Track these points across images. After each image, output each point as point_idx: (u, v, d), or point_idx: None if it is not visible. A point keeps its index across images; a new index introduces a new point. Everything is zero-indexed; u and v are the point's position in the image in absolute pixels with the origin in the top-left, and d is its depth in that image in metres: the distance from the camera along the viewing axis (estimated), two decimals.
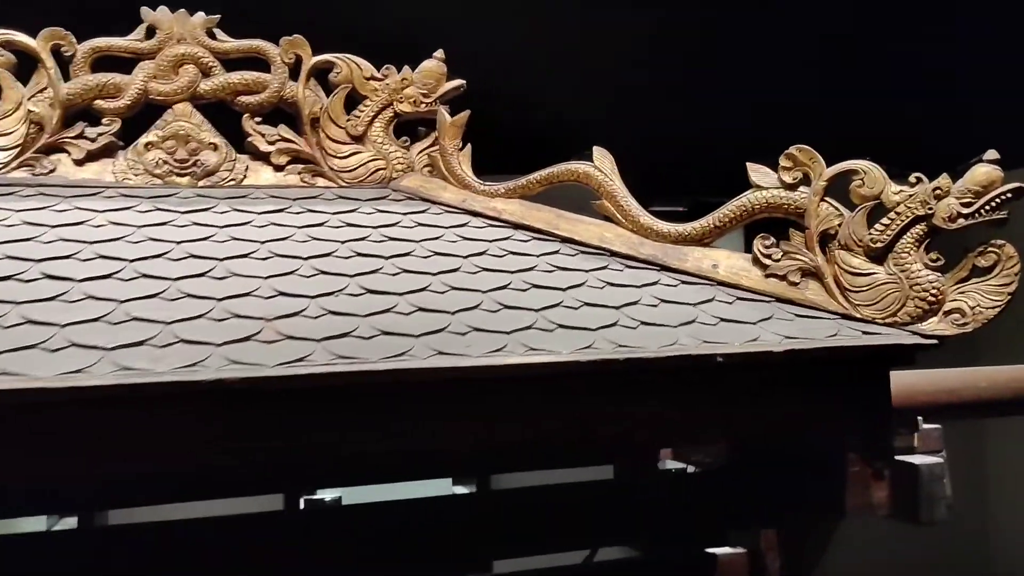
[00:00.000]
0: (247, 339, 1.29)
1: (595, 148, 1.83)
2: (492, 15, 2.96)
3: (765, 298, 1.62)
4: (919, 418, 1.77)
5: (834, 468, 1.55)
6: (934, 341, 1.51)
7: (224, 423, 1.26)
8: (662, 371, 1.40)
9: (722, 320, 1.53)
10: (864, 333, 1.52)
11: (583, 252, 1.75)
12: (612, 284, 1.63)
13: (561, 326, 1.44)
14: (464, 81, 2.02)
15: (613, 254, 1.74)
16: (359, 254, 1.62)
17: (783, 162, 1.66)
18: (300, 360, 1.26)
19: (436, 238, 1.73)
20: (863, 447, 1.54)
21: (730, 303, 1.60)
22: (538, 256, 1.71)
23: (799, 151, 1.66)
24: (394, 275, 1.56)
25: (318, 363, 1.25)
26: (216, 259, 1.53)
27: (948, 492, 1.69)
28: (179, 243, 1.57)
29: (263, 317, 1.36)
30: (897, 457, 1.69)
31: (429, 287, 1.52)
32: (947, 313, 1.53)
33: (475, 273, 1.60)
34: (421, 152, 1.99)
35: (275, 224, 1.70)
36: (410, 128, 2.05)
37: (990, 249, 1.52)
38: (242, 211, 1.74)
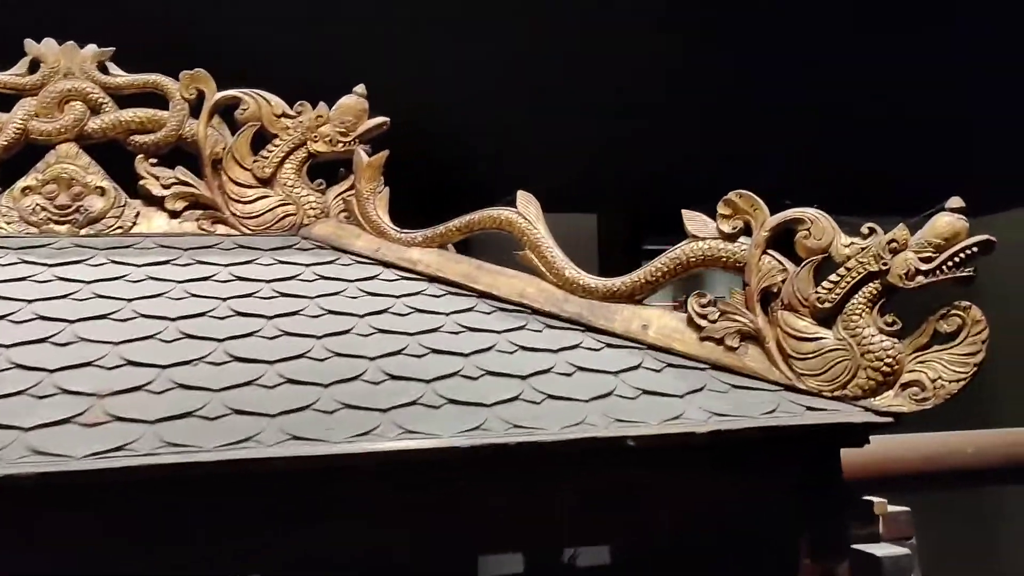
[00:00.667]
0: (66, 421, 1.11)
1: (520, 193, 1.64)
2: (426, 49, 2.80)
3: (699, 365, 1.42)
4: (883, 501, 1.55)
5: (775, 567, 1.33)
6: (889, 419, 1.30)
7: None
8: (563, 456, 1.20)
9: (644, 392, 1.33)
10: (808, 409, 1.32)
11: (501, 309, 1.56)
12: (525, 348, 1.43)
13: (452, 401, 1.25)
14: (387, 119, 1.85)
15: (534, 312, 1.55)
16: (239, 313, 1.43)
17: (721, 209, 1.47)
18: (124, 446, 1.07)
19: (335, 293, 1.54)
20: (810, 540, 1.33)
21: (658, 371, 1.40)
22: (447, 314, 1.51)
23: (739, 197, 1.46)
24: (272, 339, 1.37)
25: (138, 452, 1.06)
26: (66, 321, 1.34)
27: None
28: (30, 302, 1.39)
29: (95, 393, 1.17)
30: (856, 547, 1.47)
31: (308, 353, 1.33)
32: (904, 386, 1.32)
33: (368, 335, 1.41)
34: (338, 196, 1.81)
35: (152, 279, 1.52)
36: (331, 170, 1.87)
37: (954, 312, 1.31)
38: (120, 263, 1.56)
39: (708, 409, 1.29)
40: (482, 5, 2.97)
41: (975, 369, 1.28)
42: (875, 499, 1.58)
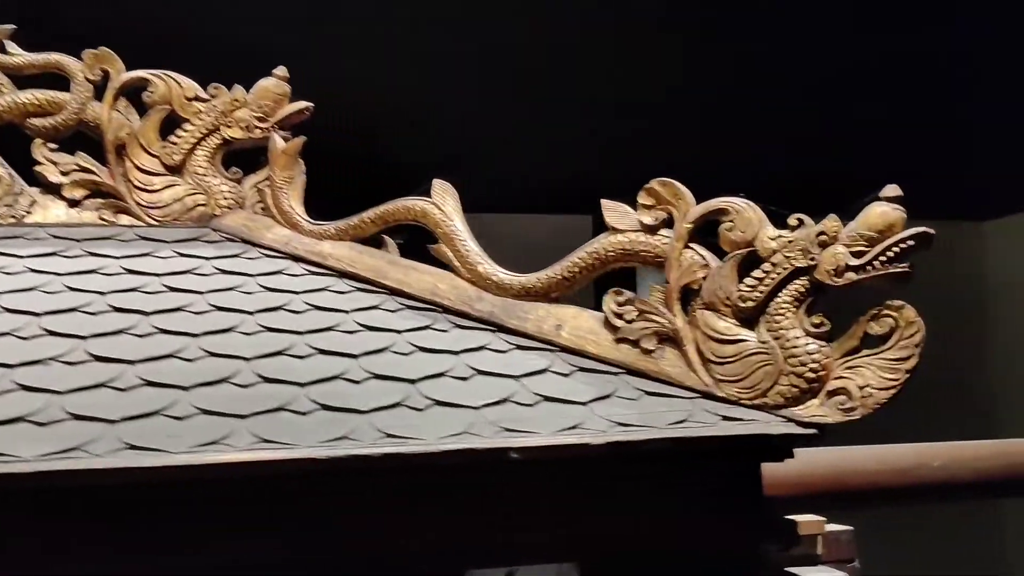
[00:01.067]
0: None
1: (435, 181, 1.53)
2: (360, 33, 2.68)
3: (613, 369, 1.30)
4: (822, 520, 1.42)
5: None
6: (812, 431, 1.18)
7: None
8: (440, 470, 1.08)
9: (545, 399, 1.21)
10: (723, 419, 1.19)
11: (409, 307, 1.44)
12: (424, 349, 1.31)
13: (324, 407, 1.13)
14: (310, 104, 1.73)
15: (445, 310, 1.43)
16: (115, 309, 1.33)
17: (642, 199, 1.35)
18: None
19: (229, 289, 1.43)
20: (725, 564, 1.20)
21: (565, 376, 1.28)
22: (348, 312, 1.40)
23: (661, 185, 1.34)
24: (142, 337, 1.26)
25: None
26: None
27: None
28: None
29: None
30: (790, 570, 1.35)
31: (179, 353, 1.22)
32: (831, 394, 1.19)
33: (252, 334, 1.30)
34: (254, 186, 1.70)
35: (32, 271, 1.41)
36: (252, 158, 1.76)
37: (886, 312, 1.19)
38: (1, 255, 1.46)
39: (612, 418, 1.17)
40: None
41: (906, 376, 1.15)
42: (813, 518, 1.45)
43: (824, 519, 1.42)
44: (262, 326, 1.32)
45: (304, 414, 1.11)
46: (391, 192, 1.58)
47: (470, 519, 1.11)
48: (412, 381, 1.21)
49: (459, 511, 1.12)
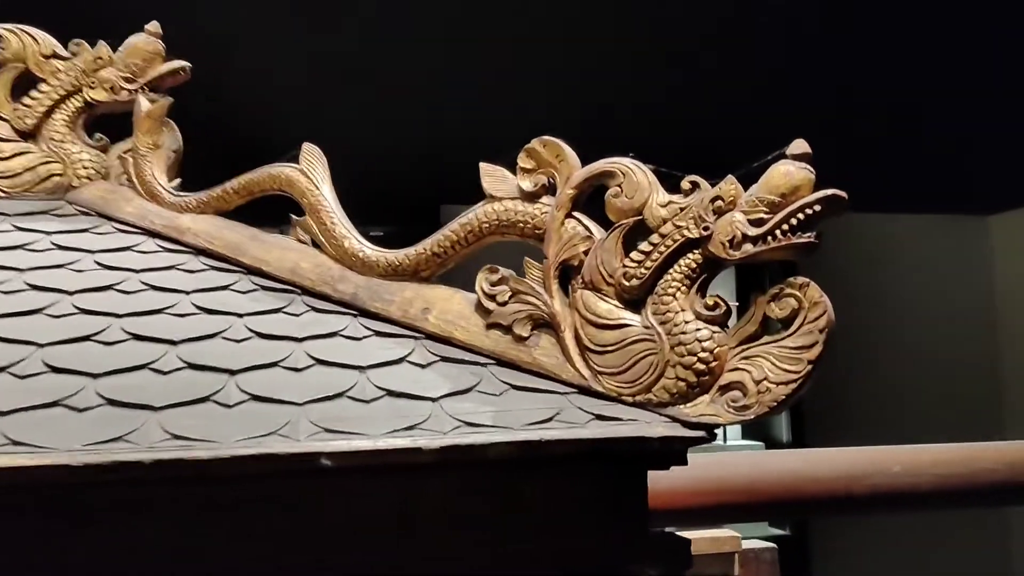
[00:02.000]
0: None
1: (305, 145, 1.34)
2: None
3: (482, 359, 1.11)
4: (736, 535, 1.23)
5: None
6: (699, 433, 0.99)
7: None
8: (237, 481, 0.90)
9: (389, 394, 1.02)
10: (597, 418, 1.00)
11: (265, 288, 1.25)
12: (263, 336, 1.13)
13: (112, 402, 0.95)
14: (187, 64, 1.55)
15: (305, 291, 1.25)
16: None
17: (522, 161, 1.16)
18: None
19: (58, 267, 1.25)
20: None
21: (423, 367, 1.09)
22: (189, 293, 1.21)
23: (542, 146, 1.15)
24: None
25: None
26: None
27: None
28: None
29: None
30: None
31: None
32: (723, 389, 0.99)
33: (62, 316, 1.12)
34: (121, 155, 1.52)
35: None
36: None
37: (787, 292, 0.99)
38: None
39: (462, 417, 0.98)
40: None
41: (809, 368, 0.95)
42: (729, 533, 1.26)
43: (739, 535, 1.23)
44: (77, 307, 1.14)
45: (80, 411, 0.93)
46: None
47: (277, 538, 0.93)
48: (232, 372, 1.03)
49: (263, 529, 0.93)
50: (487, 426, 0.96)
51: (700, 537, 1.21)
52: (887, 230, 5.85)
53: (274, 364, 1.06)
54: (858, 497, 1.69)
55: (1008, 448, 1.79)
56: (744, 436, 5.84)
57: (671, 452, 0.99)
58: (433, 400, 1.01)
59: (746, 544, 1.25)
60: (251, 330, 1.13)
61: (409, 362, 1.10)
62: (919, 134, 5.61)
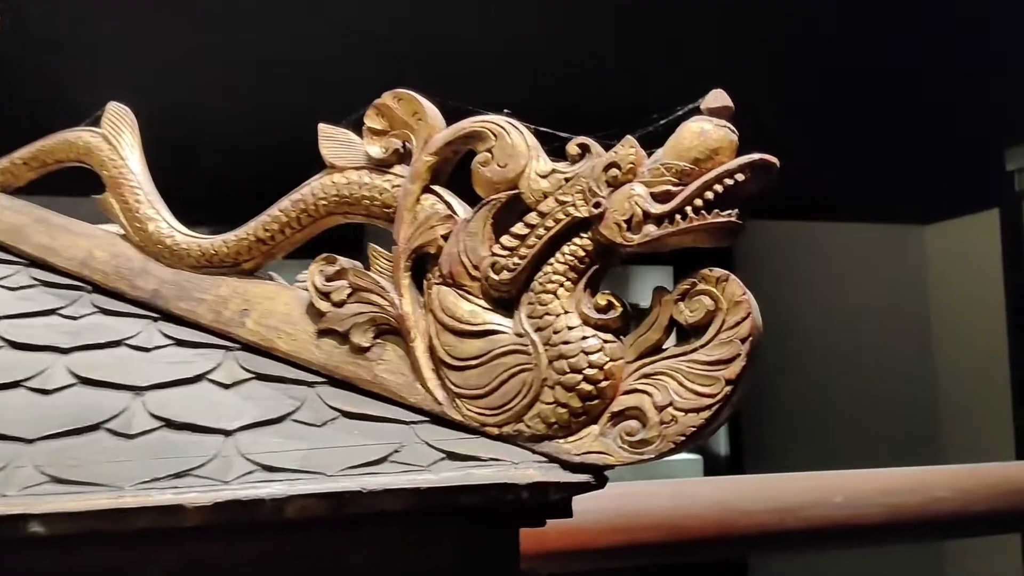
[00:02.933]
0: None
1: (110, 105, 1.06)
2: None
3: (310, 378, 0.84)
4: None
5: None
6: (584, 477, 0.73)
7: None
8: None
9: (166, 426, 0.75)
10: (449, 457, 0.74)
11: (45, 284, 0.97)
12: (17, 344, 0.84)
13: None
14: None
15: (96, 288, 0.96)
16: None
17: (370, 120, 0.89)
18: None
19: None
20: None
21: (226, 387, 0.82)
22: None
23: (398, 101, 0.89)
24: None
25: None
26: None
27: None
28: None
29: None
30: None
31: None
32: (616, 417, 0.74)
33: None
34: None
35: None
36: None
37: (701, 288, 0.75)
38: None
39: (258, 459, 0.71)
40: None
41: (727, 390, 0.71)
42: None
43: None
44: None
45: None
46: None
47: None
48: None
49: None
50: (291, 471, 0.70)
51: None
52: (825, 239, 5.74)
53: (15, 384, 0.78)
54: (794, 532, 1.46)
55: (959, 472, 1.58)
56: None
57: (548, 503, 0.74)
58: (227, 434, 0.74)
59: None
60: (2, 338, 0.85)
61: (209, 381, 0.83)
62: (858, 144, 5.51)
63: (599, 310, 0.77)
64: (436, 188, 0.86)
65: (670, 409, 0.71)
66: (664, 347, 0.76)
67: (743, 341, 0.70)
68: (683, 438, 0.70)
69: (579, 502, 1.39)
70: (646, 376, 0.74)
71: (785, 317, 5.72)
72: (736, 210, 0.74)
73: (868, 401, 5.55)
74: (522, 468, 0.72)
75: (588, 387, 0.74)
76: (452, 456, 0.73)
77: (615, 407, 0.74)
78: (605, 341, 0.76)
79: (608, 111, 0.89)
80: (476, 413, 0.77)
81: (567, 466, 0.73)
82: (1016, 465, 1.55)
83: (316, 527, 0.70)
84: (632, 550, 1.36)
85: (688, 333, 0.74)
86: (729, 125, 0.76)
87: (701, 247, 0.77)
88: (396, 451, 0.73)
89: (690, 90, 0.81)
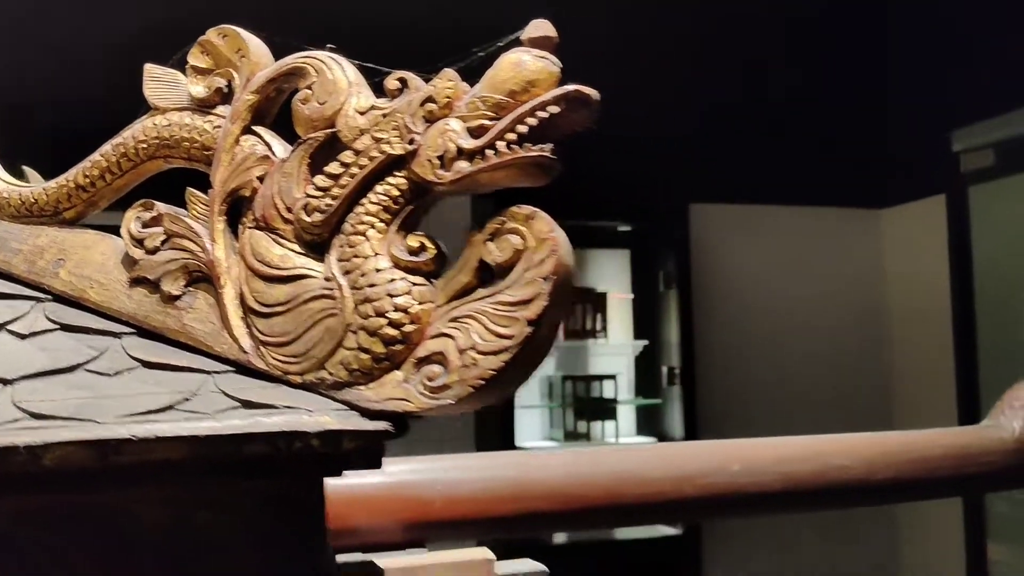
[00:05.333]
0: None
1: None
2: None
3: (117, 328, 0.79)
4: (491, 558, 0.94)
5: None
6: (382, 425, 0.69)
7: None
8: None
9: None
10: (244, 405, 0.70)
11: None
12: None
13: None
14: None
15: None
16: None
17: (193, 59, 0.85)
18: None
19: None
20: None
21: (23, 338, 0.77)
22: None
23: (222, 37, 0.84)
24: None
25: None
26: None
27: None
28: None
29: None
30: None
31: None
32: (421, 363, 0.70)
33: None
34: None
35: None
36: None
37: (509, 227, 0.71)
38: None
39: (31, 407, 0.67)
40: None
41: (528, 331, 0.67)
42: (478, 556, 0.98)
43: (492, 557, 0.94)
44: None
45: None
46: None
47: None
48: None
49: None
50: (61, 419, 0.65)
51: (440, 563, 0.92)
52: (781, 222, 5.74)
53: None
54: (692, 499, 1.43)
55: (861, 441, 1.56)
56: (639, 433, 5.66)
57: (346, 452, 0.70)
58: (5, 383, 0.69)
59: (508, 567, 0.97)
60: None
61: (7, 331, 0.78)
62: (815, 126, 5.52)
63: (411, 252, 0.73)
64: (257, 129, 0.81)
65: (471, 352, 0.67)
66: (475, 289, 0.71)
67: (546, 280, 0.66)
68: (482, 382, 0.66)
69: (471, 471, 1.35)
70: (453, 320, 0.70)
71: (741, 300, 5.72)
72: (550, 145, 0.70)
73: (822, 385, 5.57)
74: (316, 416, 0.68)
75: (392, 332, 0.70)
76: (246, 404, 0.69)
77: (421, 352, 0.70)
78: (414, 284, 0.72)
79: (448, 45, 0.85)
80: (280, 361, 0.73)
81: (366, 413, 0.69)
82: (919, 433, 1.53)
83: (95, 481, 0.66)
84: (525, 519, 1.33)
85: (497, 273, 0.70)
86: (550, 57, 0.72)
87: (525, 187, 0.73)
88: (186, 399, 0.69)
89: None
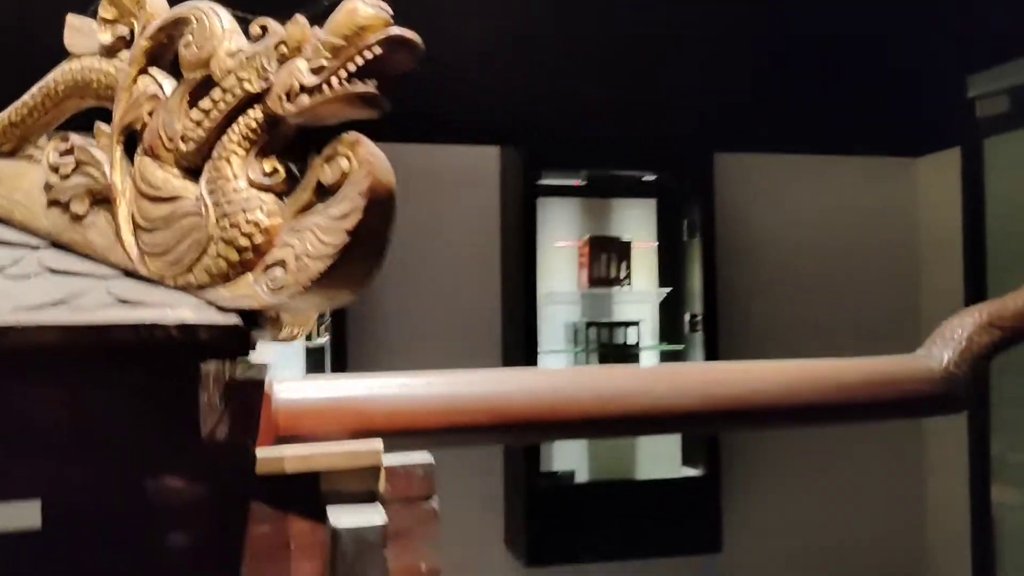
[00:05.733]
0: None
1: None
2: None
3: (35, 242, 0.94)
4: (377, 449, 1.08)
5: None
6: (233, 319, 0.82)
7: None
8: None
9: None
10: (121, 303, 0.83)
11: None
12: None
13: None
14: None
15: None
16: None
17: (103, 10, 0.98)
18: None
19: None
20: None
21: None
22: None
23: None
24: None
25: None
26: None
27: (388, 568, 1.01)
28: None
29: None
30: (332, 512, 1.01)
31: None
32: (268, 268, 0.83)
33: None
34: None
35: None
36: None
37: (339, 151, 0.82)
38: None
39: None
40: None
41: (347, 239, 0.79)
42: (367, 446, 1.11)
43: (379, 448, 1.08)
44: None
45: None
46: None
47: None
48: None
49: None
50: None
51: (333, 452, 1.05)
52: (803, 171, 5.73)
53: None
54: (616, 417, 1.55)
55: (785, 366, 1.66)
56: None
57: (203, 342, 0.83)
58: None
59: (398, 459, 1.10)
60: None
61: None
62: (850, 75, 5.47)
63: (265, 175, 0.85)
64: (151, 70, 0.94)
65: (304, 258, 0.80)
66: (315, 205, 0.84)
67: (362, 196, 0.78)
68: (311, 282, 0.79)
69: (411, 388, 1.48)
70: (295, 231, 0.82)
71: (764, 249, 5.75)
72: (374, 81, 0.81)
73: (845, 332, 5.57)
74: (178, 311, 0.81)
75: (244, 241, 0.83)
76: (124, 302, 0.83)
77: (269, 259, 0.83)
78: (264, 202, 0.84)
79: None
80: (159, 268, 0.87)
81: (222, 310, 0.82)
82: (847, 360, 1.63)
83: None
84: (460, 432, 1.45)
85: (330, 192, 0.82)
86: (382, 4, 0.83)
87: (355, 119, 0.84)
88: (76, 298, 0.83)
89: None
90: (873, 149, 5.67)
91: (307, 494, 1.03)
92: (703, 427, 1.64)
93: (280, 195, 0.85)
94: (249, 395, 0.92)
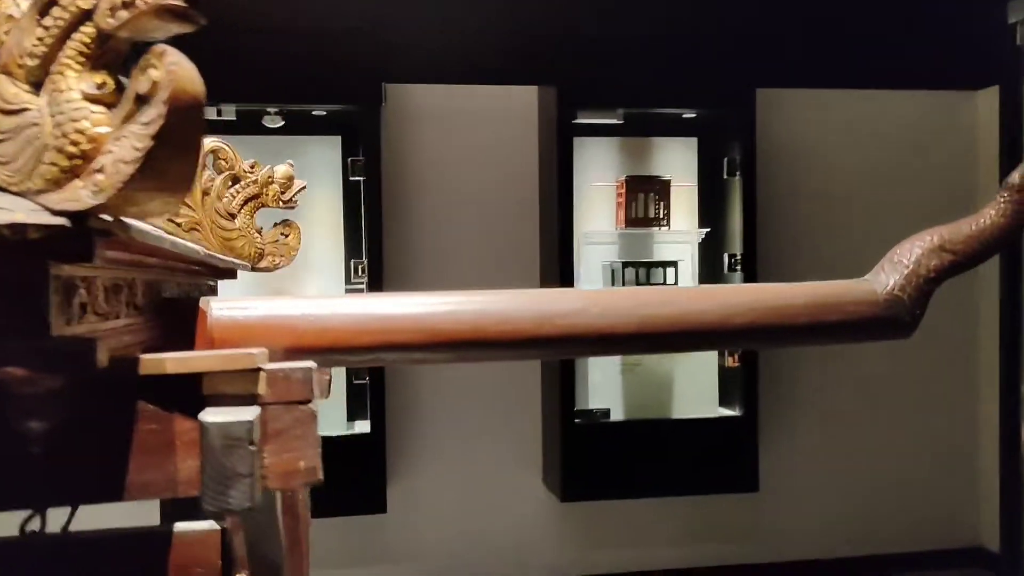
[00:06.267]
0: None
1: None
2: None
3: None
4: (255, 352, 1.14)
5: None
6: (60, 220, 0.88)
7: None
8: None
9: None
10: None
11: None
12: None
13: None
14: None
15: None
16: None
17: None
18: None
19: None
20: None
21: None
22: None
23: None
24: None
25: None
26: None
27: (256, 467, 1.08)
28: None
29: None
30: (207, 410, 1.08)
31: None
32: (95, 174, 0.89)
33: None
34: None
35: None
36: None
37: (151, 62, 0.87)
38: None
39: None
40: None
41: (151, 144, 0.84)
42: (249, 351, 1.18)
43: (256, 352, 1.13)
44: None
45: None
46: None
47: None
48: None
49: None
50: None
51: (212, 355, 1.12)
52: (846, 105, 5.55)
53: None
54: (552, 337, 1.58)
55: (725, 291, 1.66)
56: None
57: (62, 245, 0.89)
58: None
59: (281, 365, 1.16)
60: None
61: None
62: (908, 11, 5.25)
63: (97, 87, 0.90)
64: None
65: (120, 163, 0.85)
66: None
67: (165, 103, 0.83)
68: (121, 184, 0.84)
69: (342, 307, 1.53)
70: (116, 140, 0.88)
71: (806, 187, 5.61)
72: None
73: None
74: (13, 213, 0.87)
75: (73, 149, 0.89)
76: None
77: (95, 165, 0.88)
78: (92, 112, 0.89)
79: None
80: (6, 176, 0.93)
81: (53, 212, 0.88)
82: (790, 284, 1.63)
83: None
84: (390, 348, 1.50)
85: (147, 101, 0.87)
86: None
87: (174, 33, 0.89)
88: None
89: None
90: (920, 82, 5.46)
91: (189, 396, 1.10)
92: (638, 348, 1.65)
93: (111, 106, 0.90)
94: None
